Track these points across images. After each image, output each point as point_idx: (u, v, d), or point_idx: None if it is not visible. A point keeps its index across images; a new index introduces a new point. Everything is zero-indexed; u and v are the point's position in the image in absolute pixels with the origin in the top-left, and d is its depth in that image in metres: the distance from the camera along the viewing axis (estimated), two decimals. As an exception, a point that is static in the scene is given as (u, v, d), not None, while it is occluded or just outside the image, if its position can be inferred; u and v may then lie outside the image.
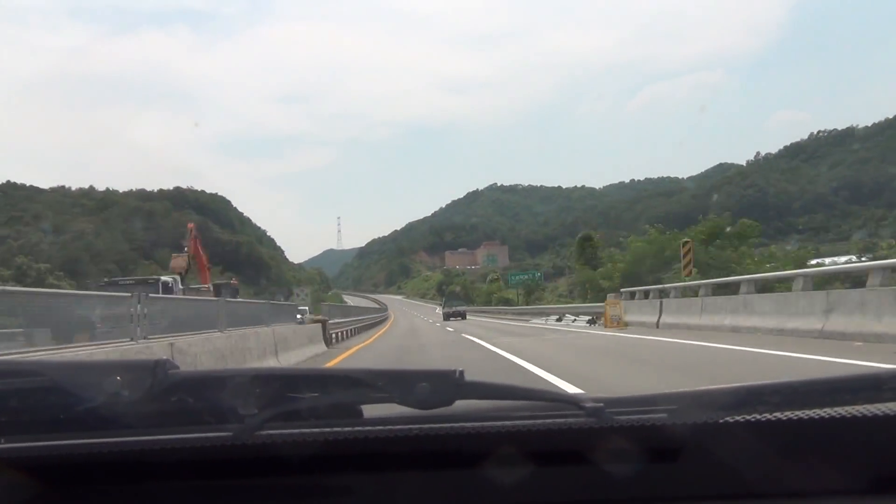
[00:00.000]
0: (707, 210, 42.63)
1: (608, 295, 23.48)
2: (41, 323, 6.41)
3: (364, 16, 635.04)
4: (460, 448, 0.99)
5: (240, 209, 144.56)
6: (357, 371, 1.07)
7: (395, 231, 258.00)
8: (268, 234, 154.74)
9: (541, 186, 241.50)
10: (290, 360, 11.75)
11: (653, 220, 46.56)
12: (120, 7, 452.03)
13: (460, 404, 1.00)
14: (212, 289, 24.24)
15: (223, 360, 8.34)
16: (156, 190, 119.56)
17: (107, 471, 1.01)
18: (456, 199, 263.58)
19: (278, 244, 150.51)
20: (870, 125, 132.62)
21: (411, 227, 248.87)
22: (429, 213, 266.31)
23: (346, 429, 0.99)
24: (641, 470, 0.99)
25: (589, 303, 31.28)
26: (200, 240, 29.13)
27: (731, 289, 15.41)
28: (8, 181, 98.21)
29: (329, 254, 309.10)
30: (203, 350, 7.95)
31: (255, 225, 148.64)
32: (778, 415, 0.96)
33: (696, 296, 16.45)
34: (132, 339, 7.17)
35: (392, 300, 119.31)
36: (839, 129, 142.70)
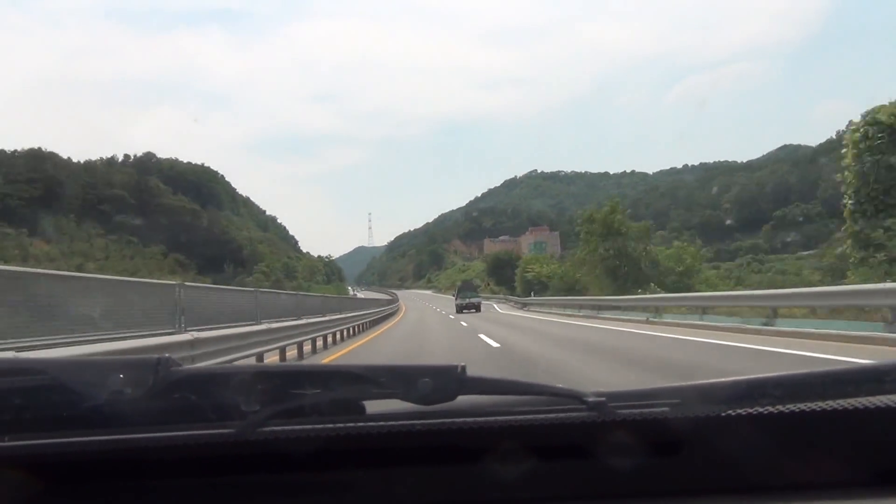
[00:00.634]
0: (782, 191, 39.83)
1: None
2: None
3: (396, 13, 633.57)
4: (463, 443, 0.99)
5: (234, 185, 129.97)
6: (359, 367, 1.07)
7: (427, 224, 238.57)
8: (278, 220, 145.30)
9: (585, 173, 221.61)
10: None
11: (732, 199, 41.93)
12: (155, 8, 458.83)
13: (462, 399, 1.00)
14: None
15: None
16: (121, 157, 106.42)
17: (110, 468, 1.02)
18: (492, 187, 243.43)
19: (290, 232, 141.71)
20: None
21: (443, 218, 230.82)
22: (462, 204, 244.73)
23: (349, 425, 0.99)
24: (644, 464, 0.99)
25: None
26: None
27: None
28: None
29: (360, 251, 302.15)
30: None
31: (258, 207, 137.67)
32: (780, 408, 0.97)
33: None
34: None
35: (413, 296, 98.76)
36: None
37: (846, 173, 17.46)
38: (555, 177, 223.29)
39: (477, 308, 42.95)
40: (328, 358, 13.04)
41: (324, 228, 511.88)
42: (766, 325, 12.71)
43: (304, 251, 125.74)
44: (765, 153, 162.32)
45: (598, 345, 12.86)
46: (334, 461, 1.01)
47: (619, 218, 35.29)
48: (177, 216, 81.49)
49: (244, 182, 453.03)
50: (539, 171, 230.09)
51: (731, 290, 26.32)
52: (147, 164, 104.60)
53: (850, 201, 17.14)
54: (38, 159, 78.14)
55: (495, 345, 13.39)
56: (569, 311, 29.72)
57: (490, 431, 0.99)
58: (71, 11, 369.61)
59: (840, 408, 0.96)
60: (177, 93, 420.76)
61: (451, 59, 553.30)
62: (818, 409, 0.96)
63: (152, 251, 73.07)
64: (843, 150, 17.77)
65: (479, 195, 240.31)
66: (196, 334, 7.51)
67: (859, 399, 0.97)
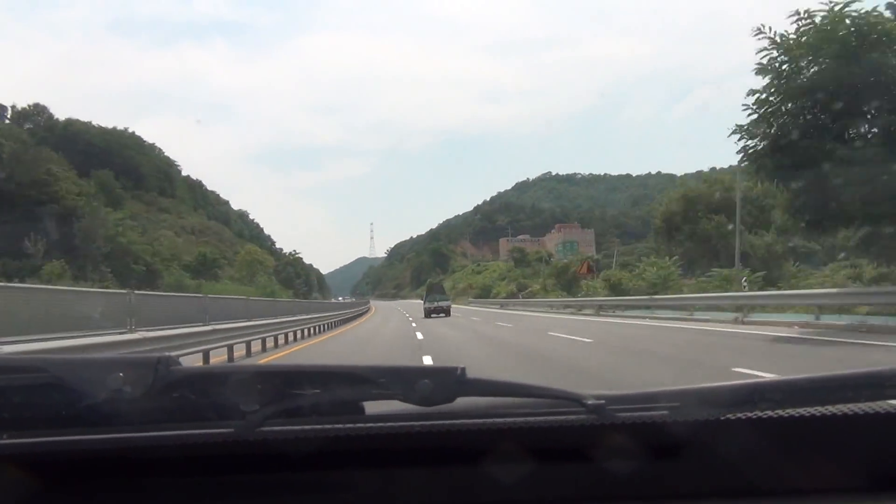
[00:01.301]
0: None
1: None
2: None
3: (400, 25, 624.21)
4: (462, 445, 0.99)
5: (184, 169, 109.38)
6: (359, 368, 1.07)
7: (431, 230, 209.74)
8: (249, 216, 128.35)
9: (604, 175, 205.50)
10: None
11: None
12: (158, 21, 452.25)
13: (462, 401, 1.00)
14: None
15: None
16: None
17: (109, 467, 1.02)
18: (503, 190, 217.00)
19: (265, 230, 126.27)
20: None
21: (448, 224, 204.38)
22: (469, 209, 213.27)
23: (348, 425, 0.99)
24: (643, 467, 0.99)
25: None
26: None
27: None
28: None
29: (361, 262, 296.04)
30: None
31: (217, 196, 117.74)
32: (779, 412, 0.97)
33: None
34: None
35: (398, 309, 63.94)
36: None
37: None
38: (570, 179, 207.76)
39: (446, 312, 39.88)
40: (270, 357, 14.35)
41: (326, 239, 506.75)
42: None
43: (281, 249, 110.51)
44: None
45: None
46: (333, 462, 1.01)
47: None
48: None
49: (246, 193, 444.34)
50: (553, 174, 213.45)
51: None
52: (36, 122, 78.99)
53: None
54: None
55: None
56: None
57: (489, 433, 0.99)
58: (73, 22, 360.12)
59: (840, 413, 0.96)
60: (179, 104, 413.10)
61: (455, 71, 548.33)
62: (818, 413, 0.96)
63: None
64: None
65: (488, 199, 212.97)
66: (144, 334, 8.82)
67: (859, 404, 0.97)
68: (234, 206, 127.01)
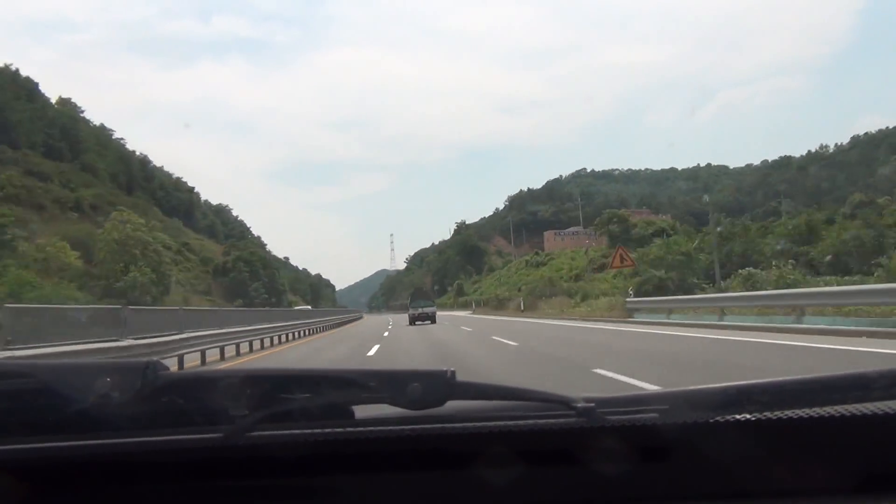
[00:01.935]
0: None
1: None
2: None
3: (416, 38, 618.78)
4: (452, 448, 1.00)
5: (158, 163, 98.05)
6: (349, 372, 1.07)
7: (456, 226, 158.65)
8: (237, 216, 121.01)
9: (645, 170, 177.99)
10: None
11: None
12: (177, 40, 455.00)
13: (452, 404, 1.00)
14: None
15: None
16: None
17: (97, 473, 1.01)
18: (532, 188, 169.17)
19: (263, 238, 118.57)
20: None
21: (474, 226, 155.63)
22: (491, 211, 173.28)
23: (338, 430, 0.99)
24: (632, 470, 0.99)
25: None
26: None
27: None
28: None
29: (381, 274, 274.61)
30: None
31: (186, 185, 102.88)
32: (767, 414, 0.97)
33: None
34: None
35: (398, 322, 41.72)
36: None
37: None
38: (608, 175, 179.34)
39: (432, 319, 37.01)
40: (241, 360, 15.73)
41: (346, 253, 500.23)
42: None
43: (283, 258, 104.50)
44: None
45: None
46: (323, 466, 1.01)
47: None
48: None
49: (265, 209, 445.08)
50: (588, 171, 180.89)
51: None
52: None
53: None
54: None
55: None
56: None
57: (479, 437, 0.99)
58: (93, 44, 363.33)
59: (827, 415, 0.97)
60: (199, 122, 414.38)
61: (473, 82, 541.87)
62: (805, 415, 0.97)
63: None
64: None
65: (525, 190, 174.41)
66: (131, 341, 10.66)
67: (846, 406, 0.97)
68: (250, 223, 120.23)
